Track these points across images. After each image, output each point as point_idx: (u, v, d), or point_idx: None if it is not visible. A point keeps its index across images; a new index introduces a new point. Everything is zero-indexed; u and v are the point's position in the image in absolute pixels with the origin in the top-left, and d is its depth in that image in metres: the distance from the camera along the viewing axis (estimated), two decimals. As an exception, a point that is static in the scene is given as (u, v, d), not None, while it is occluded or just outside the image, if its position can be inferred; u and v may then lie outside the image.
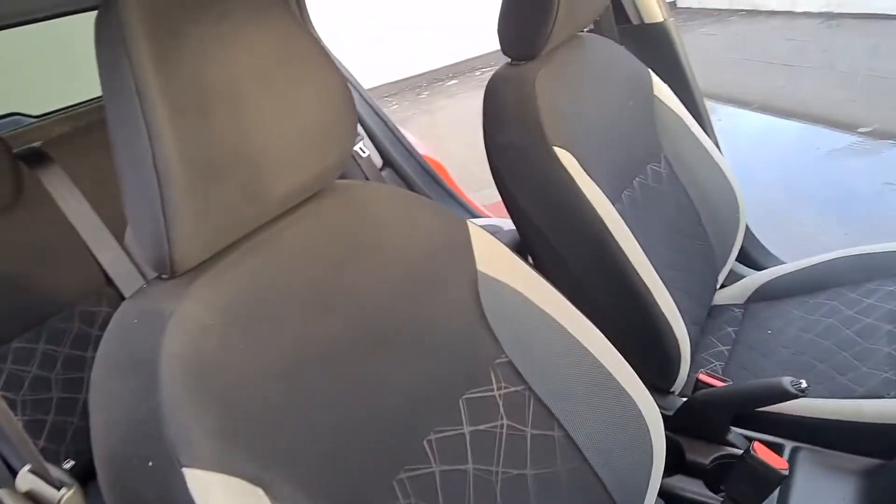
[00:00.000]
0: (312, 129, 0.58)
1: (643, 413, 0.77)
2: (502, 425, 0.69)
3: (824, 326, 1.08)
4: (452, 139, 3.73)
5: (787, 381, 0.82)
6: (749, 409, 0.87)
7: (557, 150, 0.91)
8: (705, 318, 1.22)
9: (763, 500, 0.79)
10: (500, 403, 0.69)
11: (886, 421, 0.86)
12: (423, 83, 5.30)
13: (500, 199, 1.02)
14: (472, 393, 0.67)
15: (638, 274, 0.93)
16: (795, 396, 0.81)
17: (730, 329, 1.21)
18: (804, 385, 0.81)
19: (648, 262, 0.93)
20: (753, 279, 1.28)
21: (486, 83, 0.98)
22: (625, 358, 0.77)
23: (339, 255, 0.63)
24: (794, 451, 0.90)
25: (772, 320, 1.17)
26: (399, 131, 1.76)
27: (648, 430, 0.77)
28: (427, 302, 0.67)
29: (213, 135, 0.49)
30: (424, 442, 0.62)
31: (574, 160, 0.91)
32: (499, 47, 0.98)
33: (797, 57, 4.17)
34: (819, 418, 0.91)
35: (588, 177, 0.92)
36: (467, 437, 0.66)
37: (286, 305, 0.57)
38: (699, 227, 1.19)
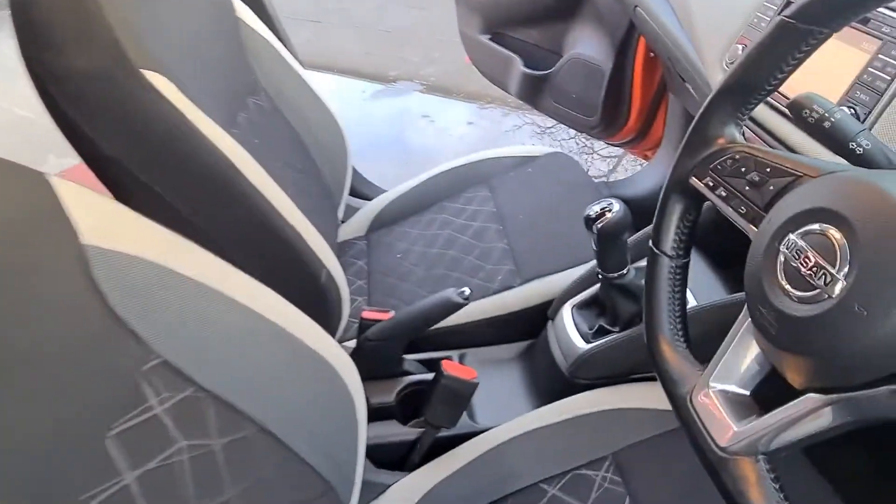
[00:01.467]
0: None
1: (339, 371, 0.65)
2: (180, 450, 0.49)
3: (443, 238, 1.14)
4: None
5: (451, 293, 0.82)
6: (422, 332, 0.85)
7: (148, 74, 0.68)
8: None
9: (461, 413, 0.78)
10: (168, 422, 0.49)
11: (524, 306, 0.95)
12: None
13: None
14: (121, 424, 0.45)
15: (282, 215, 0.79)
16: (464, 304, 0.81)
17: (360, 262, 1.19)
18: (468, 292, 0.82)
19: (290, 201, 0.80)
20: (368, 210, 1.28)
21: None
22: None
23: None
24: (462, 357, 0.93)
25: (396, 244, 1.18)
26: None
27: (348, 389, 0.66)
28: (13, 314, 0.41)
29: None
30: (73, 524, 0.39)
31: (173, 86, 0.70)
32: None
33: (319, 14, 4.43)
34: (471, 321, 0.96)
35: (197, 108, 0.72)
36: (135, 488, 0.44)
37: None
38: (313, 164, 1.10)
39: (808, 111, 0.50)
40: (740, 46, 0.76)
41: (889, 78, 0.57)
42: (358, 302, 1.09)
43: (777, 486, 0.40)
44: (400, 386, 0.87)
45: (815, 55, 0.55)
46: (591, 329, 0.82)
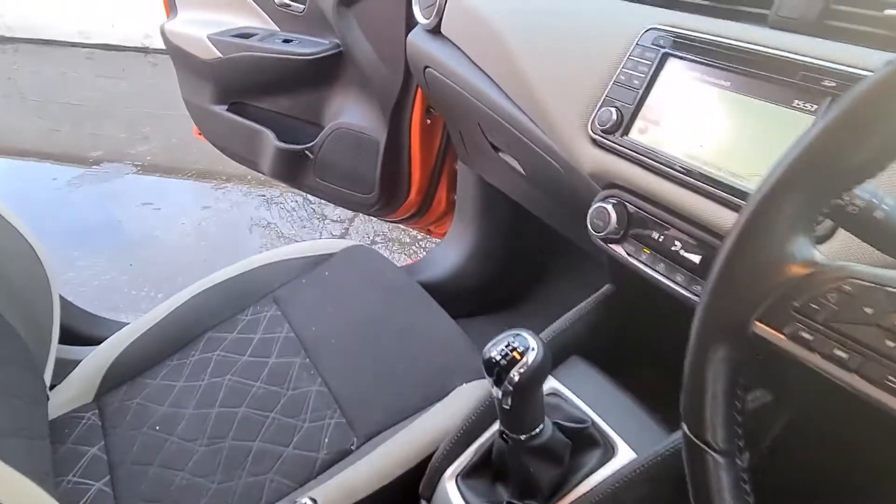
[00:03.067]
0: None
1: None
2: None
3: (226, 389, 0.80)
4: None
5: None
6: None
7: None
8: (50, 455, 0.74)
9: None
10: None
11: (377, 485, 0.66)
12: None
13: None
14: None
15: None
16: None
17: (93, 449, 0.77)
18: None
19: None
20: (95, 361, 0.86)
21: None
22: None
23: None
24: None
25: (149, 410, 0.80)
26: None
27: None
28: None
29: None
30: None
31: None
32: None
33: (-26, 86, 3.58)
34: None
35: None
36: None
37: None
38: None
39: (846, 198, 0.34)
40: (613, 110, 0.61)
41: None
42: (101, 522, 0.68)
43: None
44: None
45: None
46: (496, 510, 0.57)
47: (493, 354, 0.48)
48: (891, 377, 0.27)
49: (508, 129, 0.81)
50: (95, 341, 0.92)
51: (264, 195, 2.35)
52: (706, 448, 0.33)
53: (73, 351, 0.93)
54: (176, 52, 1.56)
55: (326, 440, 0.71)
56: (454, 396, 0.72)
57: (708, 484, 0.32)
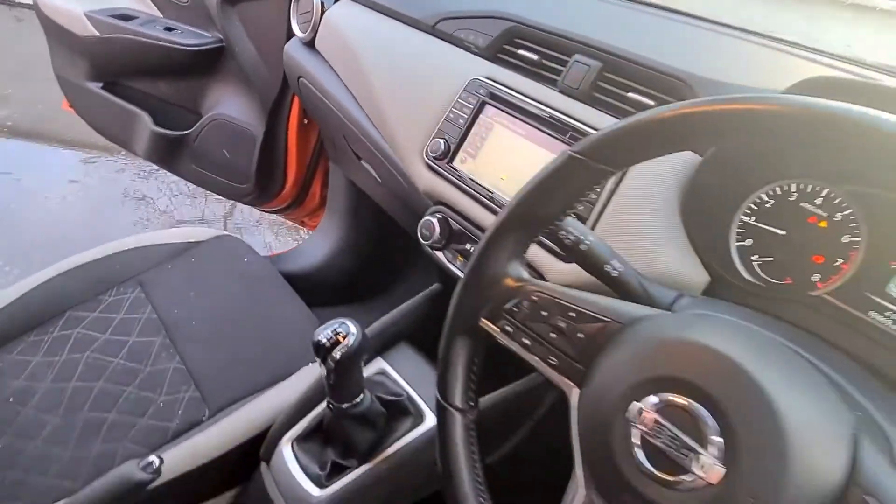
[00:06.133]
0: None
1: None
2: None
3: (84, 365, 0.85)
4: None
5: (131, 468, 0.59)
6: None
7: None
8: None
9: None
10: None
11: (223, 449, 0.75)
12: None
13: None
14: None
15: None
16: (153, 479, 0.59)
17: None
18: (156, 462, 0.60)
19: None
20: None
21: None
22: None
23: None
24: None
25: (2, 383, 0.83)
26: None
27: None
28: None
29: None
30: None
31: None
32: None
33: None
34: (152, 487, 0.71)
35: None
36: None
37: None
38: None
39: (565, 233, 0.48)
40: (441, 141, 0.74)
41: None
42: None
43: None
44: None
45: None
46: (322, 469, 0.69)
47: (320, 337, 0.59)
48: (552, 357, 0.41)
49: (367, 145, 0.92)
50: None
51: (144, 169, 2.30)
52: (448, 406, 0.46)
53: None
54: (48, 24, 1.52)
55: (180, 411, 0.79)
56: (298, 375, 0.83)
57: (448, 435, 0.46)
